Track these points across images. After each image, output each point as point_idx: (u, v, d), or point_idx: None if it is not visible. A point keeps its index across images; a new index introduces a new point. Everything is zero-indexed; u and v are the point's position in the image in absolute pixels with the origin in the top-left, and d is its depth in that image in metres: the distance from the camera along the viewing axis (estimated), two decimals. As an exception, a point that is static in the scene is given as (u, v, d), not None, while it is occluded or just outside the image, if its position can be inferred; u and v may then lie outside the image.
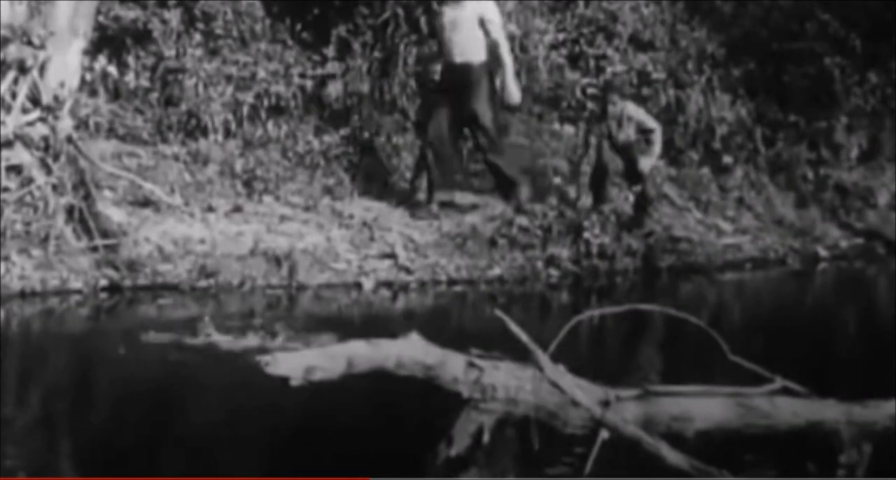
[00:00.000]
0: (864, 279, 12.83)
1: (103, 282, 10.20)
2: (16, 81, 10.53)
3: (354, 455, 6.12)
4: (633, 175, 12.10)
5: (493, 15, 11.75)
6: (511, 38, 12.67)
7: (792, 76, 13.96)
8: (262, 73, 12.45)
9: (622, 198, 12.39)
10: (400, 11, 12.79)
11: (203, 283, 10.39)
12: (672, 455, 5.48)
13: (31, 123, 10.55)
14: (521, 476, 5.93)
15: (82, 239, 10.42)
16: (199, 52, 12.43)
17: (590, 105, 13.16)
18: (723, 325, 7.29)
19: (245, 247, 10.84)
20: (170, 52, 12.30)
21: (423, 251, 11.33)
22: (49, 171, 10.45)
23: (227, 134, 12.26)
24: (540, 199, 11.88)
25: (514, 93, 11.90)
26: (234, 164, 11.90)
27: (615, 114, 12.04)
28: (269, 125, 12.38)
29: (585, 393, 5.65)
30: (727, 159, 13.49)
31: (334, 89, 12.73)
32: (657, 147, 12.14)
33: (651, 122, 12.13)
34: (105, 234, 10.45)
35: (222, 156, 12.02)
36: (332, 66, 12.83)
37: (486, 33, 11.67)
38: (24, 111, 10.54)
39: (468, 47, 11.71)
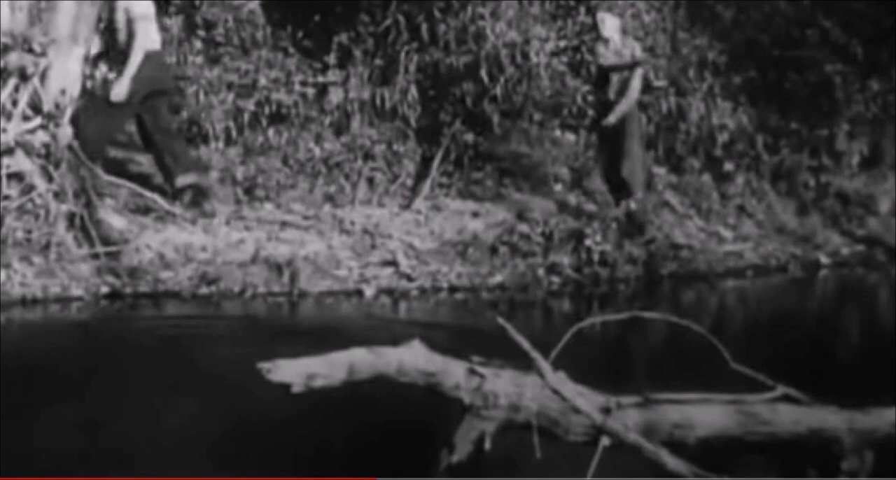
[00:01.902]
0: (865, 286, 12.84)
1: (104, 290, 10.20)
2: (17, 89, 10.54)
3: (355, 462, 6.12)
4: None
5: (139, 9, 11.06)
6: (512, 44, 12.69)
7: (793, 83, 13.98)
8: (263, 81, 12.47)
9: (623, 206, 12.40)
10: (401, 19, 12.80)
11: (204, 291, 10.39)
12: (673, 462, 5.47)
13: (32, 131, 10.56)
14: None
15: (83, 246, 10.43)
16: (200, 59, 12.45)
17: (591, 112, 13.19)
18: (724, 332, 7.28)
19: (246, 255, 10.84)
20: (171, 60, 12.30)
21: (425, 258, 11.34)
22: (50, 179, 10.46)
23: (228, 141, 12.27)
24: None
25: (116, 91, 11.01)
26: (236, 172, 11.92)
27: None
28: (271, 132, 12.39)
29: (587, 400, 5.65)
30: (728, 166, 13.51)
31: (335, 96, 12.74)
32: (636, 85, 12.24)
33: (639, 52, 12.29)
34: (106, 242, 10.46)
35: (223, 163, 12.03)
36: (334, 74, 12.84)
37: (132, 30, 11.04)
38: (25, 118, 10.55)
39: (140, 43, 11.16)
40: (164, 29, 12.31)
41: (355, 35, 12.97)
